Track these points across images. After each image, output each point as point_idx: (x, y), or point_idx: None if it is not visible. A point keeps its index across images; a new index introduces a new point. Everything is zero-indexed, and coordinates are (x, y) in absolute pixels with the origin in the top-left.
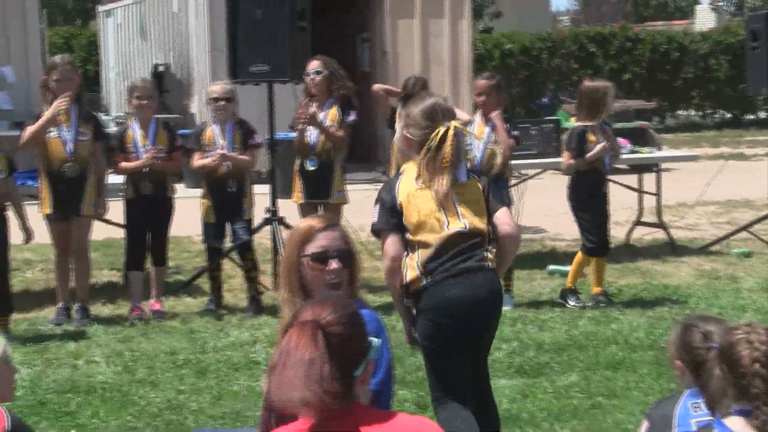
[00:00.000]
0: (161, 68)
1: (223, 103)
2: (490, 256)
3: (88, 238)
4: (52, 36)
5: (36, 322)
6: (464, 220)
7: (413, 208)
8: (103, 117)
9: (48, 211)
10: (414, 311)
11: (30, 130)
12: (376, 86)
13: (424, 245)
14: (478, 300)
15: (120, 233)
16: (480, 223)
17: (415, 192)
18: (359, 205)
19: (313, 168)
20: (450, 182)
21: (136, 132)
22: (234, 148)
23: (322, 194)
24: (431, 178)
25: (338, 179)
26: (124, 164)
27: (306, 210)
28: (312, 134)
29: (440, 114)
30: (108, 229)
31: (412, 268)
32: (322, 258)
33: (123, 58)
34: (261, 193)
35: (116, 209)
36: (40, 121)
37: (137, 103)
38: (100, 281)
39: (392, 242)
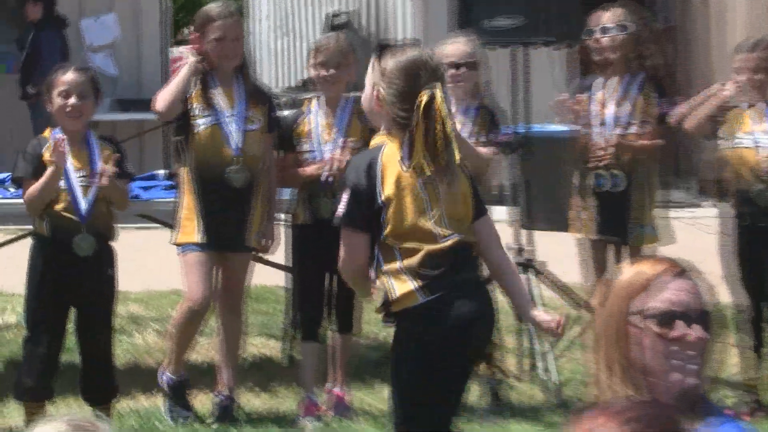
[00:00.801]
0: (339, 20)
1: (463, 70)
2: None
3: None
4: None
5: (151, 414)
6: (452, 229)
7: (403, 207)
8: None
9: (195, 239)
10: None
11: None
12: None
13: (411, 252)
14: (485, 316)
15: (280, 278)
16: (471, 234)
17: (406, 183)
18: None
19: (608, 188)
20: (445, 174)
21: (317, 119)
22: (478, 142)
23: (617, 228)
24: (418, 165)
25: (646, 206)
26: (300, 170)
27: (597, 250)
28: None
29: (423, 73)
30: (261, 271)
31: (400, 280)
32: (670, 319)
33: (281, 6)
34: (499, 221)
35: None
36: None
37: (322, 73)
38: (248, 354)
39: (361, 246)
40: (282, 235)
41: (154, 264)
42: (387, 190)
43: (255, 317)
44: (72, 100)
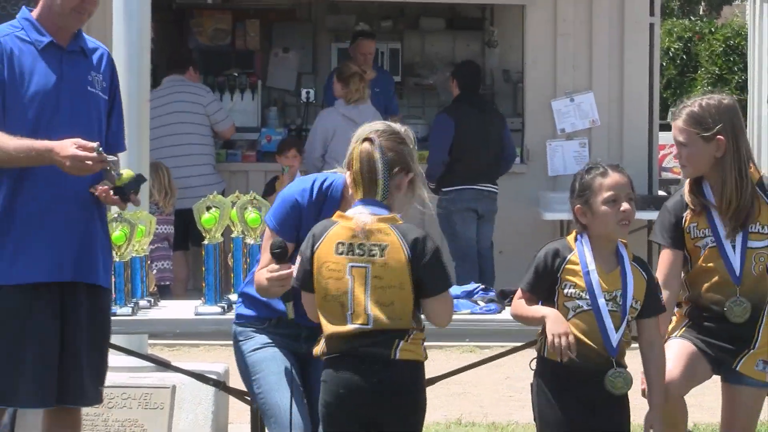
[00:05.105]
0: None
1: None
2: (405, 345)
3: None
4: None
5: None
6: (371, 313)
7: (322, 282)
8: None
9: None
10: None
11: None
12: None
13: (326, 325)
14: (370, 389)
15: None
16: (392, 322)
17: (330, 264)
18: None
19: None
20: (363, 227)
21: None
22: None
23: None
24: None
25: None
26: None
27: None
28: None
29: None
30: None
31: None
32: None
33: None
34: None
35: None
36: None
37: None
38: None
39: (310, 302)
40: None
41: None
42: (315, 264)
43: None
44: (624, 206)
